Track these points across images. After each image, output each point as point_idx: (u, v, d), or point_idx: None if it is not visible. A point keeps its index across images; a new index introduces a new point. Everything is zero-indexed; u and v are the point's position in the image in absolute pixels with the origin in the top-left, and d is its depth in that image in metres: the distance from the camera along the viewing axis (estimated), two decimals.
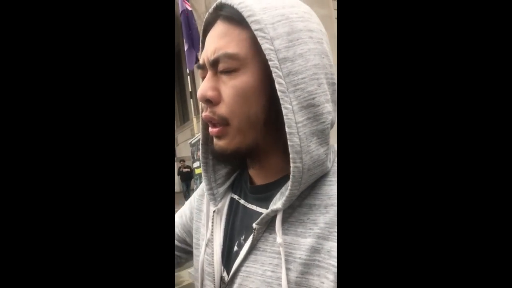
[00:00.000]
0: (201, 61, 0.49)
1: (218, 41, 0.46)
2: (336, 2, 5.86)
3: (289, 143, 0.43)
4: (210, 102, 0.47)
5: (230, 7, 0.46)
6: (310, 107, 0.44)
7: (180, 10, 4.67)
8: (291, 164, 0.44)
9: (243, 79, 0.46)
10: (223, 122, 0.47)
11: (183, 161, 11.26)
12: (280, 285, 0.44)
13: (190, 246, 0.69)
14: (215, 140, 0.50)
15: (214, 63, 0.47)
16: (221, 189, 0.58)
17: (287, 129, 0.43)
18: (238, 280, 0.49)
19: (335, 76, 0.48)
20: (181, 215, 0.72)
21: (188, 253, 0.71)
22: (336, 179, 0.48)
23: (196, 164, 5.25)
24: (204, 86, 0.47)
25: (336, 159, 0.51)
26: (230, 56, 0.45)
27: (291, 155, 0.43)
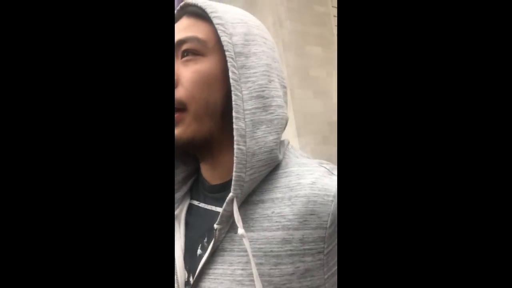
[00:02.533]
0: None
1: (185, 29, 0.49)
2: (334, 0, 5.86)
3: (234, 126, 0.45)
4: None
5: (195, 6, 0.50)
6: (259, 98, 0.47)
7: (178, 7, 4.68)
8: (235, 147, 0.45)
9: (207, 65, 0.48)
10: (180, 107, 0.48)
11: None
12: (252, 281, 0.44)
13: None
14: None
15: (179, 45, 0.49)
16: (178, 195, 0.58)
17: (234, 114, 0.45)
18: (206, 284, 0.49)
19: (286, 81, 0.54)
20: None
21: None
22: (289, 169, 0.49)
23: None
24: None
25: (286, 151, 0.53)
26: (199, 40, 0.48)
27: (235, 138, 0.45)
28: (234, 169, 0.45)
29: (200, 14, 0.50)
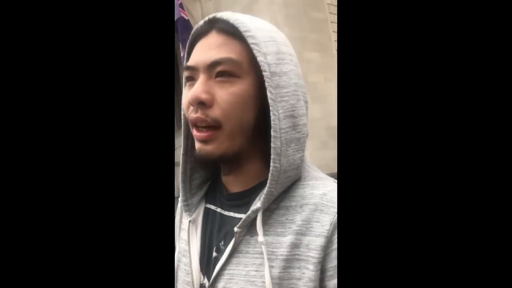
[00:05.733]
0: (192, 63, 0.51)
1: (218, 48, 0.49)
2: (331, 6, 5.91)
3: (272, 145, 0.47)
4: (203, 105, 0.48)
5: (225, 22, 0.50)
6: (290, 117, 0.49)
7: (176, 18, 4.70)
8: (271, 164, 0.47)
9: (242, 87, 0.49)
10: (215, 125, 0.49)
11: None
12: (263, 282, 0.47)
13: None
14: (200, 145, 0.50)
15: (213, 65, 0.49)
16: (195, 199, 0.60)
17: (272, 133, 0.47)
18: (221, 284, 0.51)
19: (306, 95, 0.56)
20: None
21: None
22: (307, 182, 0.52)
23: None
24: (198, 89, 0.48)
25: (305, 166, 0.55)
26: (234, 62, 0.48)
27: (272, 156, 0.47)
28: (268, 184, 0.48)
29: (231, 32, 0.49)
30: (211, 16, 0.51)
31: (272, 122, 0.47)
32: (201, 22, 0.52)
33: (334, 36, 5.79)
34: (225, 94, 0.48)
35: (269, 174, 0.48)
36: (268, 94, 0.47)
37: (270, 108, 0.47)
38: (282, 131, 0.48)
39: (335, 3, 5.97)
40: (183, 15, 4.79)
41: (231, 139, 0.49)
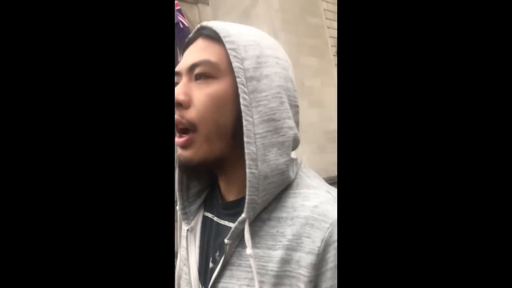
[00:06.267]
0: (176, 69, 0.52)
1: (199, 52, 0.51)
2: (328, 12, 5.95)
3: (246, 151, 0.47)
4: (181, 106, 0.49)
5: (210, 29, 0.51)
6: (270, 121, 0.48)
7: (175, 21, 4.70)
8: (247, 171, 0.47)
9: (218, 88, 0.49)
10: (191, 128, 0.49)
11: None
12: None
13: None
14: (181, 151, 0.51)
15: (192, 68, 0.50)
16: (193, 207, 0.60)
17: (245, 139, 0.47)
18: None
19: (298, 100, 0.55)
20: None
21: None
22: (299, 191, 0.50)
23: None
24: (177, 90, 0.49)
25: (298, 171, 0.54)
26: (211, 64, 0.49)
27: (247, 162, 0.46)
28: (247, 192, 0.47)
29: (214, 37, 0.51)
30: (199, 25, 0.53)
31: (244, 128, 0.47)
32: (193, 31, 0.54)
33: (330, 41, 5.83)
34: (201, 95, 0.49)
35: (247, 181, 0.46)
36: (241, 100, 0.47)
37: (243, 114, 0.47)
38: (258, 136, 0.47)
39: (332, 9, 6.02)
40: (183, 21, 4.78)
41: (209, 143, 0.49)
